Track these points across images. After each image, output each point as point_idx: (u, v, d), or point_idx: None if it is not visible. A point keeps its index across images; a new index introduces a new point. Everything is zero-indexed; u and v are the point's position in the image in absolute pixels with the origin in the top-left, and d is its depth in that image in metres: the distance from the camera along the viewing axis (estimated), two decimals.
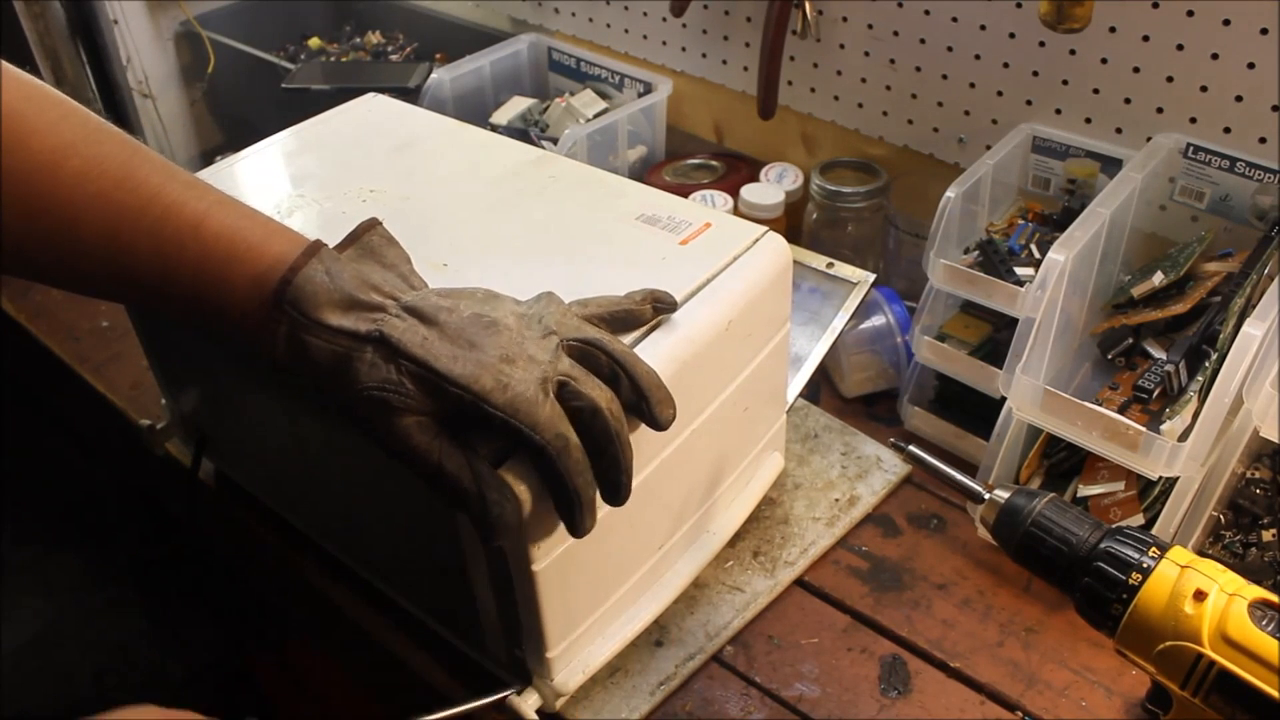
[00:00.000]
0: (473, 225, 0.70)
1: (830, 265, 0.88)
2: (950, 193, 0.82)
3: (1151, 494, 0.73)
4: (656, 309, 0.60)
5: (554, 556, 0.58)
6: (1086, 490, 0.76)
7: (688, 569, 0.73)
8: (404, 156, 0.78)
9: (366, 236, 0.56)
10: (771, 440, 0.79)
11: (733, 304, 0.65)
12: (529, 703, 0.65)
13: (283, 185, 0.76)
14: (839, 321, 0.86)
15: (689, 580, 0.73)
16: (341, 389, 0.52)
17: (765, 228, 0.69)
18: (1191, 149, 0.84)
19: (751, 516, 0.79)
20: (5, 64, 0.54)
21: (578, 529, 0.54)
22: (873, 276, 0.87)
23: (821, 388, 0.95)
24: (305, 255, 0.53)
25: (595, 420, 0.53)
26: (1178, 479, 0.69)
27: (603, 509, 0.57)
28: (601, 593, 0.66)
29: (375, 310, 0.53)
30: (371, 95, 0.88)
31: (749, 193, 1.01)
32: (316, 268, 0.53)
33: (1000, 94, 0.95)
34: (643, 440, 0.58)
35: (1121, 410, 0.75)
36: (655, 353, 0.59)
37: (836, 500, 0.83)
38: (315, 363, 0.53)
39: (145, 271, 0.54)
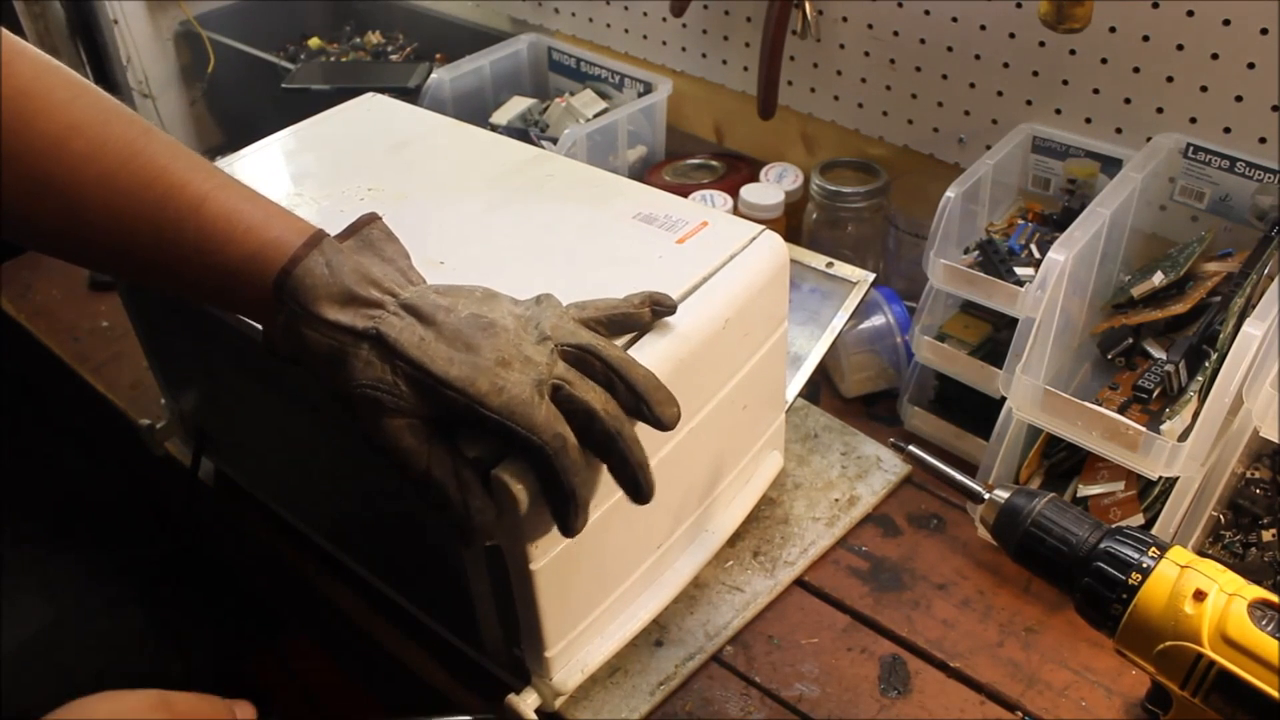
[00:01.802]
0: (470, 223, 0.70)
1: (830, 265, 0.88)
2: (950, 193, 0.82)
3: (1151, 494, 0.73)
4: (655, 312, 0.60)
5: (552, 556, 0.58)
6: (1086, 490, 0.76)
7: (687, 568, 0.73)
8: (402, 155, 0.78)
9: (366, 230, 0.56)
10: (770, 439, 0.79)
11: (729, 302, 0.64)
12: (528, 702, 0.65)
13: (281, 184, 0.76)
14: (839, 321, 0.86)
15: (688, 579, 0.73)
16: (336, 382, 0.53)
17: (762, 226, 0.69)
18: (1191, 149, 0.84)
19: (751, 516, 0.79)
20: (22, 42, 0.54)
21: (570, 529, 0.54)
22: (872, 276, 0.87)
23: (821, 388, 0.95)
24: (306, 246, 0.53)
25: (593, 424, 0.52)
26: (1178, 479, 0.69)
27: (600, 508, 0.57)
28: (600, 592, 0.66)
29: (373, 306, 0.53)
30: (370, 95, 0.88)
31: (749, 193, 1.01)
32: (317, 259, 0.53)
33: (1000, 94, 0.95)
34: (640, 439, 0.58)
35: (1121, 410, 0.75)
36: (651, 351, 0.59)
37: (836, 500, 0.83)
38: (312, 354, 0.53)
39: (148, 249, 0.54)
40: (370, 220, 0.57)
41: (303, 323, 0.52)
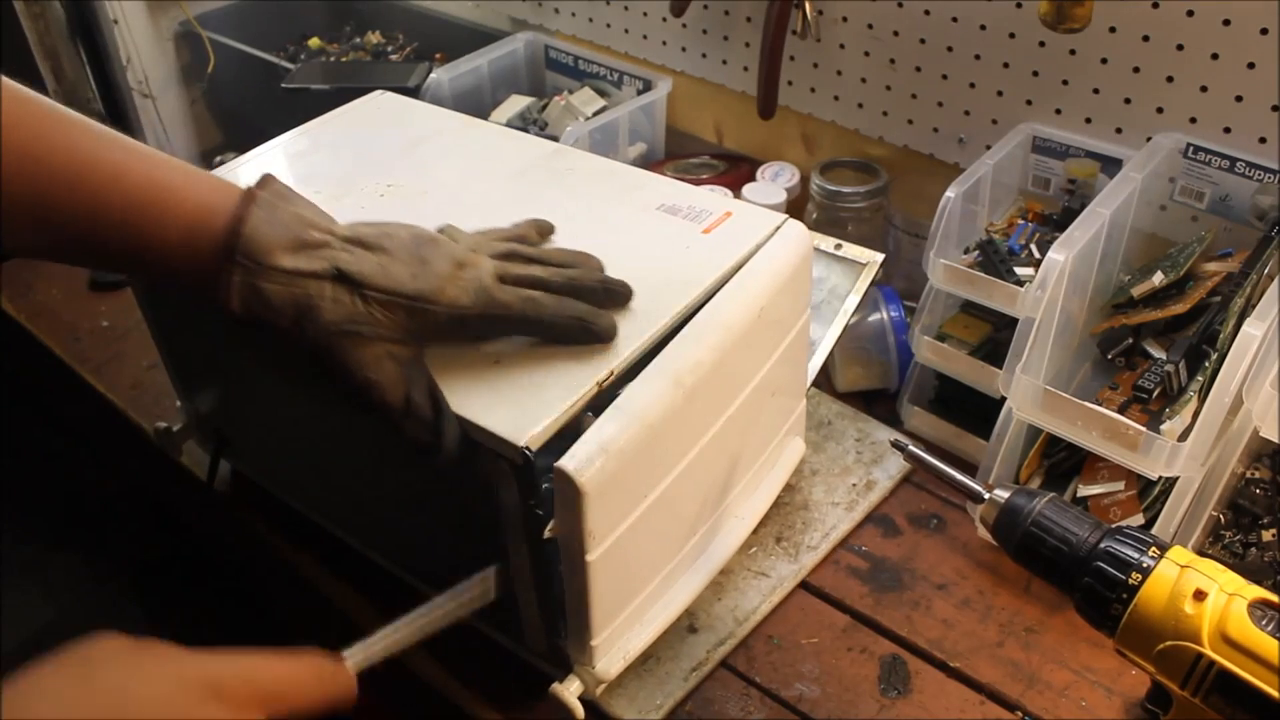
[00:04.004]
0: (494, 219, 0.70)
1: (839, 247, 0.88)
2: (950, 193, 0.82)
3: (1151, 494, 0.73)
4: (540, 231, 0.67)
5: (606, 546, 0.59)
6: (1086, 490, 0.76)
7: (719, 554, 0.73)
8: (418, 152, 0.79)
9: (271, 185, 0.56)
10: (793, 425, 0.80)
11: (761, 291, 0.66)
12: (571, 689, 0.65)
13: (297, 184, 0.75)
14: (850, 304, 0.86)
15: (720, 565, 0.73)
16: (307, 334, 0.52)
17: (785, 216, 0.70)
18: (1191, 149, 0.84)
19: (772, 503, 0.79)
20: None
21: (604, 337, 0.59)
22: (881, 257, 0.86)
23: (821, 385, 0.95)
24: (245, 203, 0.53)
25: (548, 287, 0.58)
26: (1178, 479, 0.69)
27: (648, 498, 0.59)
28: (642, 579, 0.66)
29: (321, 247, 0.53)
30: (379, 93, 0.88)
31: (751, 192, 1.01)
32: (259, 214, 0.53)
33: (1000, 94, 0.95)
34: (683, 429, 0.60)
35: (1121, 410, 0.75)
36: (699, 344, 0.61)
37: (854, 485, 0.83)
38: (275, 310, 0.52)
39: (75, 227, 0.53)
40: (269, 179, 0.56)
41: (260, 277, 0.52)
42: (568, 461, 0.54)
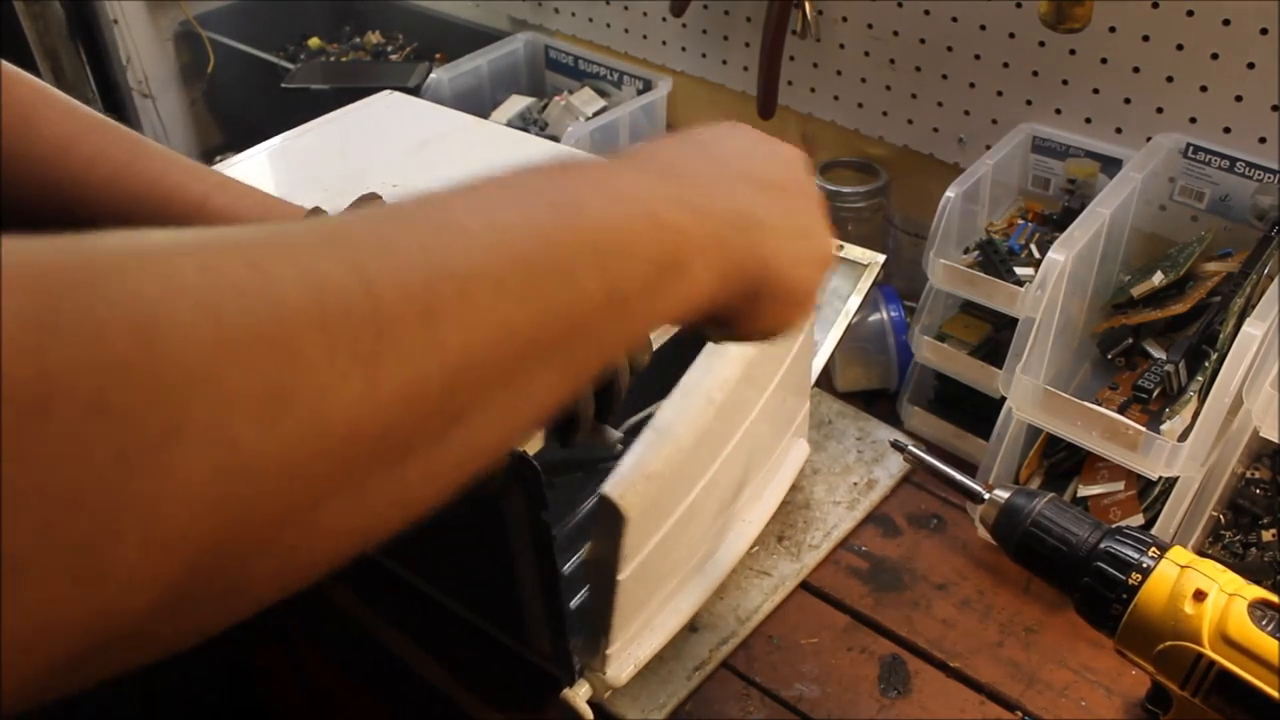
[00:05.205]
0: None
1: (840, 248, 0.88)
2: (950, 193, 0.82)
3: (1151, 494, 0.73)
4: None
5: (635, 565, 0.59)
6: (1086, 490, 0.76)
7: (727, 558, 0.73)
8: (426, 153, 0.79)
9: (368, 206, 0.57)
10: (798, 427, 0.80)
11: None
12: (581, 693, 0.65)
13: (303, 183, 0.76)
14: (851, 304, 0.85)
15: (728, 570, 0.73)
16: None
17: None
18: (1191, 149, 0.84)
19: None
20: (8, 64, 0.56)
21: (569, 443, 0.57)
22: (882, 258, 0.86)
23: (821, 385, 0.95)
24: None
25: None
26: (1178, 479, 0.69)
27: (673, 514, 0.59)
28: (659, 589, 0.67)
29: None
30: (387, 93, 0.88)
31: None
32: None
33: (1000, 94, 0.95)
34: (712, 445, 0.60)
35: (1121, 410, 0.75)
36: (725, 359, 0.61)
37: (855, 484, 0.83)
38: None
39: None
40: (371, 198, 0.58)
41: None
42: (612, 489, 0.54)
